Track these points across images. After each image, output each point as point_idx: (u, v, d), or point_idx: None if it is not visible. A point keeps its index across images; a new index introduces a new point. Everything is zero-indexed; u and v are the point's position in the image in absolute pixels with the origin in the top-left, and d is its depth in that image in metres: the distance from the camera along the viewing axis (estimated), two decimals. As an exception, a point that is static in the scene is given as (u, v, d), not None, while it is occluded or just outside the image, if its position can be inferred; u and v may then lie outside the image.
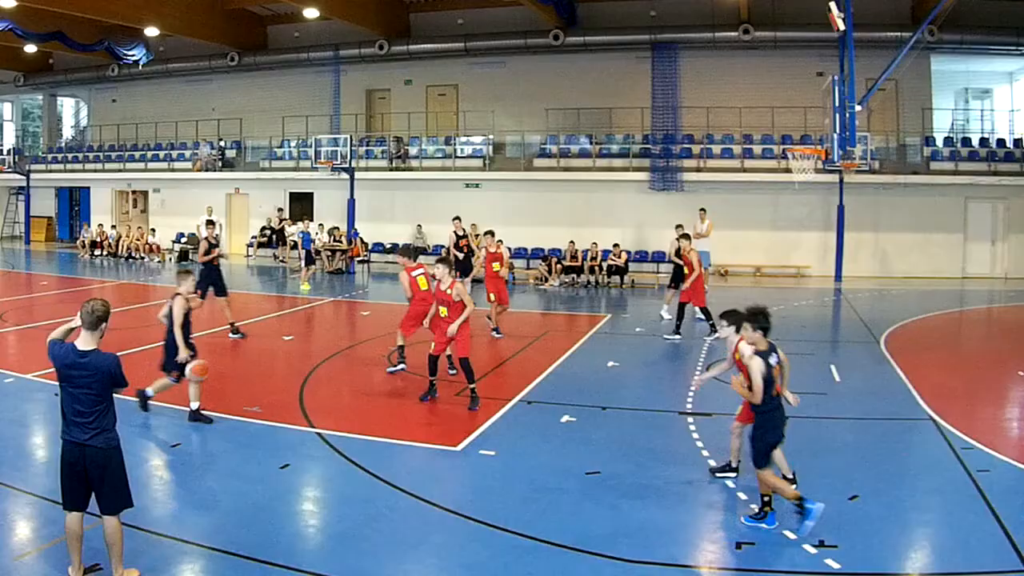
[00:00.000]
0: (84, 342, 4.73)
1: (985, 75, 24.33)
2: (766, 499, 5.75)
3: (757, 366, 5.70)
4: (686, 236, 13.93)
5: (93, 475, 4.71)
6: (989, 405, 9.30)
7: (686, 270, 13.46)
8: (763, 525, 5.70)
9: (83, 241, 26.98)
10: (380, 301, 18.42)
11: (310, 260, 19.95)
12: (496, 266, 13.37)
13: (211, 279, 13.04)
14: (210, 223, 14.37)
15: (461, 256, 15.45)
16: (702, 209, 19.80)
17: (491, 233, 13.64)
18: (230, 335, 12.76)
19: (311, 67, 27.26)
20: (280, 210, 25.47)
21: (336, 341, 13.25)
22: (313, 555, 5.39)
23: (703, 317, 13.58)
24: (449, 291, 8.91)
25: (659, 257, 23.04)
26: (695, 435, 7.94)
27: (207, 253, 13.40)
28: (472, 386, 8.89)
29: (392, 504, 6.19)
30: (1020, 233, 21.58)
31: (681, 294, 13.61)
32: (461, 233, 15.85)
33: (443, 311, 9.04)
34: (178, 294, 8.16)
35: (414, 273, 10.40)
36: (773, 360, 5.86)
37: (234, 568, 5.13)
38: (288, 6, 24.97)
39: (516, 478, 6.85)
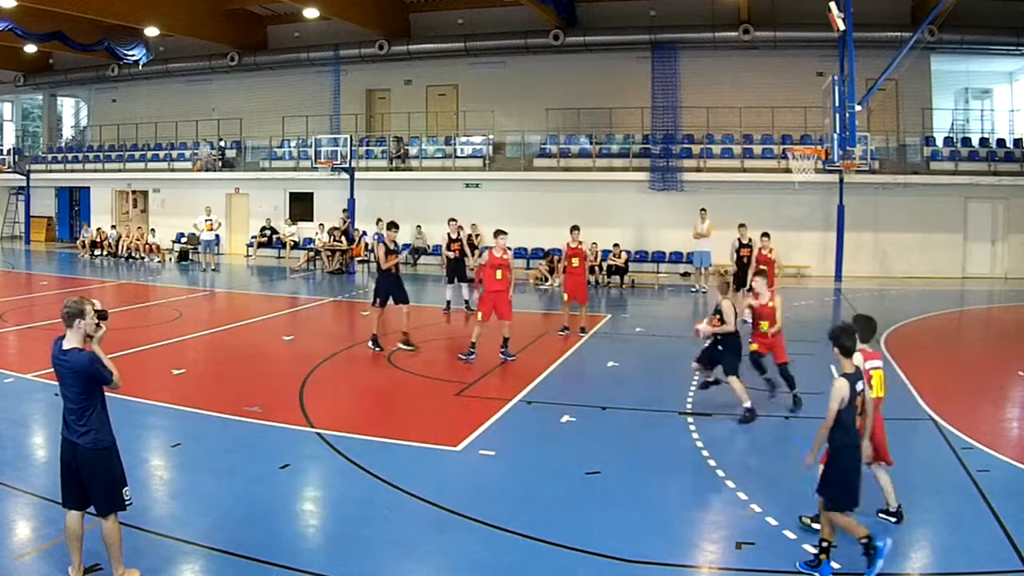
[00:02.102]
0: (67, 340, 4.74)
1: (985, 75, 24.31)
2: (824, 544, 5.13)
3: (837, 390, 5.03)
4: (766, 235, 12.84)
5: (83, 475, 4.72)
6: (989, 405, 9.30)
7: (764, 268, 12.25)
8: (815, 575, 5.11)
9: (83, 241, 26.96)
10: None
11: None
12: (575, 262, 13.24)
13: (390, 286, 11.96)
14: (393, 226, 12.52)
15: (452, 257, 15.48)
16: (703, 209, 19.79)
17: (576, 228, 13.54)
18: (400, 344, 11.61)
19: (311, 67, 27.26)
20: (345, 211, 23.67)
21: (336, 341, 13.23)
22: (313, 555, 5.39)
23: None
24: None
25: (659, 257, 23.05)
26: (695, 435, 7.94)
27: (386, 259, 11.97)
28: (794, 392, 8.96)
29: (392, 504, 6.19)
30: (1020, 233, 21.56)
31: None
32: (455, 236, 15.74)
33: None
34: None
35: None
36: (859, 387, 5.18)
37: (234, 568, 5.13)
38: (288, 6, 24.96)
39: (516, 478, 6.86)
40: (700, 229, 19.61)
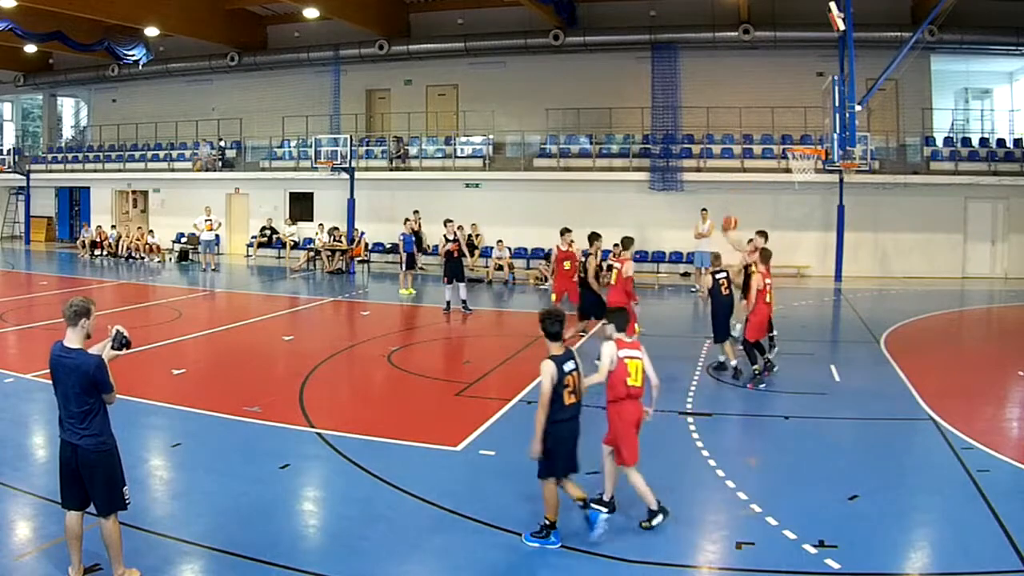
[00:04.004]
0: (69, 340, 4.70)
1: (985, 75, 24.29)
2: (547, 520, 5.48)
3: (546, 370, 5.53)
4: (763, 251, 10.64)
5: (84, 475, 4.70)
6: (989, 405, 9.29)
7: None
8: (548, 545, 5.39)
9: (83, 241, 26.96)
10: (380, 301, 18.43)
11: (412, 263, 18.77)
12: (567, 264, 13.28)
13: (597, 301, 11.35)
14: (596, 236, 11.46)
15: (452, 257, 15.53)
16: (704, 209, 19.79)
17: (567, 231, 13.57)
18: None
19: (311, 67, 27.25)
20: (416, 212, 22.23)
21: (336, 341, 13.23)
22: (313, 555, 5.39)
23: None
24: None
25: (659, 257, 23.05)
26: (695, 435, 7.94)
27: (597, 277, 11.37)
28: (756, 368, 9.76)
29: (392, 504, 6.19)
30: (1020, 233, 21.55)
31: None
32: (452, 237, 15.75)
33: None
34: None
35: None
36: (568, 367, 5.58)
37: (234, 568, 5.13)
38: (288, 6, 24.95)
39: (516, 478, 6.85)
40: (701, 229, 19.61)
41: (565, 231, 13.69)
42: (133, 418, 7.86)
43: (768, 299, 10.07)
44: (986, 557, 5.28)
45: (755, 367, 9.86)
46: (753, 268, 10.36)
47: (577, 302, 13.46)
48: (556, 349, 5.60)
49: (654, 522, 5.72)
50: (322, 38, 26.44)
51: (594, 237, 12.22)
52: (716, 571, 5.28)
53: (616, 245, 11.83)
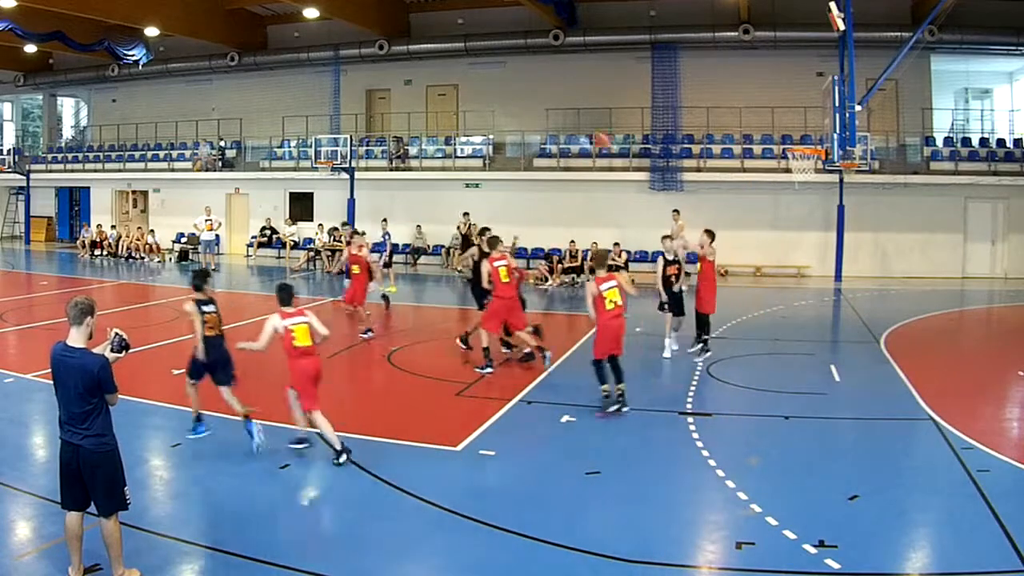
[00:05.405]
0: (72, 339, 4.70)
1: (985, 75, 24.30)
2: (196, 415, 7.58)
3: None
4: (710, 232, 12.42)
5: (85, 476, 4.69)
6: (989, 405, 9.30)
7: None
8: (199, 434, 7.50)
9: (83, 241, 26.96)
10: (380, 301, 18.39)
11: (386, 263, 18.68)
12: (356, 268, 13.00)
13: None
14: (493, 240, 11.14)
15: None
16: (675, 210, 19.85)
17: (355, 233, 13.59)
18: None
19: (311, 67, 27.25)
20: (466, 214, 22.62)
21: (336, 341, 13.19)
22: (313, 555, 5.39)
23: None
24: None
25: (659, 257, 23.04)
26: (695, 435, 7.94)
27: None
28: (603, 388, 8.98)
29: (392, 504, 6.20)
30: (1020, 233, 21.55)
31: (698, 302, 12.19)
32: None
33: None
34: None
35: (497, 263, 10.46)
36: (208, 308, 7.45)
37: (234, 568, 5.13)
38: (288, 6, 24.96)
39: (516, 478, 6.86)
40: (672, 230, 19.68)
41: (356, 233, 13.69)
42: (133, 418, 7.86)
43: (609, 306, 8.66)
44: (986, 557, 5.28)
45: (603, 387, 8.86)
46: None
47: (362, 304, 13.14)
48: (199, 295, 7.52)
49: (340, 459, 6.90)
50: (322, 38, 26.44)
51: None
52: (716, 571, 5.28)
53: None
